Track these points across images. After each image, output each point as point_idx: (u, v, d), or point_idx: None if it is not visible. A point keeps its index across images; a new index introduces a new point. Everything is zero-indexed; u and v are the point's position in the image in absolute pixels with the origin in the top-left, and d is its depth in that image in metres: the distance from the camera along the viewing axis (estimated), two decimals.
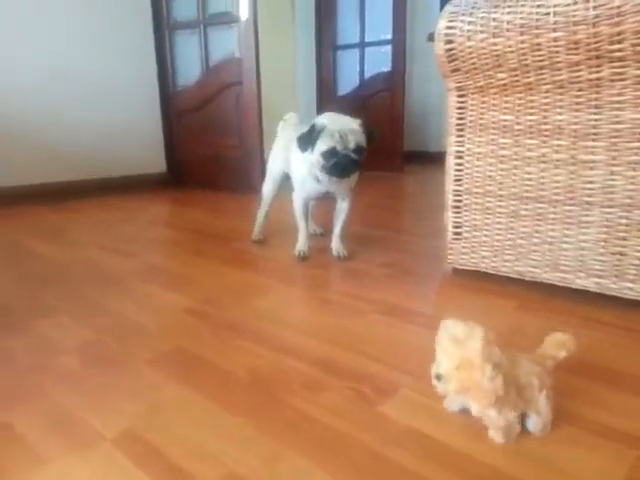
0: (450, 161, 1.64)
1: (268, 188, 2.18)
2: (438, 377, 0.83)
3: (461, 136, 1.60)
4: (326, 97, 4.83)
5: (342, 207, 1.98)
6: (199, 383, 1.06)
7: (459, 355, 0.80)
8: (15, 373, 1.12)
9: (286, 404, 0.98)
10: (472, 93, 1.54)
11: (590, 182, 1.39)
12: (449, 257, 1.72)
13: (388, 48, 4.34)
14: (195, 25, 3.47)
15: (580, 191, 1.41)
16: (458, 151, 1.62)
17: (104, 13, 3.30)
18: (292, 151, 1.90)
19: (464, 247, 1.68)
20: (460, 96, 1.57)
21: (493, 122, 1.52)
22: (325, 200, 2.02)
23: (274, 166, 2.14)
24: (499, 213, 1.58)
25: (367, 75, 4.60)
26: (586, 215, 1.42)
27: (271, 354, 1.20)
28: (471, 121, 1.57)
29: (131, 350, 1.22)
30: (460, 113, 1.58)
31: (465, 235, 1.67)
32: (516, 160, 1.51)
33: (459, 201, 1.65)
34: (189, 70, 3.60)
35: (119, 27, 3.39)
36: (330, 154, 1.70)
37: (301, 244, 1.99)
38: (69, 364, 1.16)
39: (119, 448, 0.85)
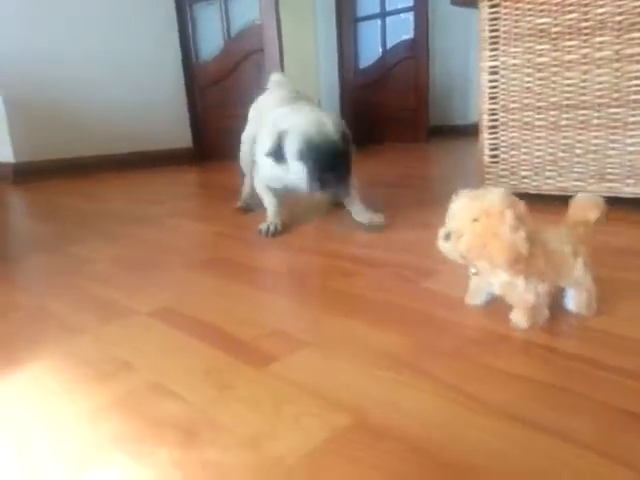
0: (484, 78, 1.57)
1: (243, 155, 1.79)
2: (447, 236, 0.68)
3: (495, 49, 1.53)
4: (348, 70, 4.76)
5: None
6: (236, 276, 1.02)
7: (477, 207, 0.65)
8: (48, 277, 1.10)
9: (325, 285, 0.94)
10: (505, 0, 1.47)
11: (637, 78, 1.31)
12: (486, 182, 1.65)
13: (409, 15, 4.26)
14: None
15: (626, 90, 1.33)
16: (492, 66, 1.54)
17: None
18: (262, 125, 1.48)
19: (502, 169, 1.61)
20: (492, 6, 1.50)
21: (529, 28, 1.45)
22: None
23: (247, 132, 1.75)
24: (538, 127, 1.51)
25: (389, 45, 4.53)
26: (633, 115, 1.34)
27: (310, 256, 1.16)
28: (505, 32, 1.49)
29: (164, 259, 1.20)
30: (493, 25, 1.51)
31: (502, 156, 1.60)
32: (555, 66, 1.43)
33: (495, 120, 1.58)
34: (212, 42, 3.60)
35: (141, 4, 3.40)
36: (308, 151, 1.23)
37: (271, 216, 1.43)
38: (100, 269, 1.14)
39: (155, 318, 0.82)
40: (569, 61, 1.40)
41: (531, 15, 1.44)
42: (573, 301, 0.73)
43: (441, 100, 5.12)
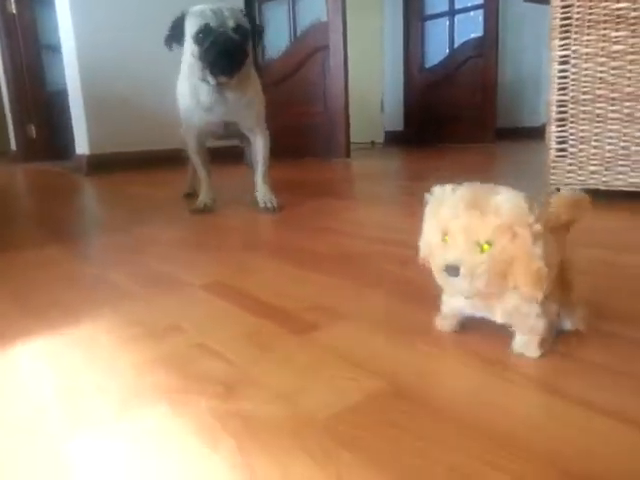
0: (553, 68, 1.50)
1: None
2: (451, 269, 0.51)
3: (566, 38, 1.46)
4: (413, 69, 4.72)
5: (256, 145, 1.62)
6: (288, 257, 1.04)
7: (490, 224, 0.50)
8: (112, 253, 1.17)
9: (377, 268, 0.94)
10: None
11: None
12: (552, 177, 1.57)
13: (478, 12, 4.16)
14: None
15: None
16: (562, 56, 1.48)
17: None
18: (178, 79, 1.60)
19: (570, 164, 1.53)
20: None
21: (605, 14, 1.37)
22: (229, 138, 1.71)
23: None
24: (611, 119, 1.42)
25: (457, 43, 4.43)
26: None
27: (365, 243, 1.15)
28: (578, 18, 1.43)
29: (221, 241, 1.23)
30: (565, 12, 1.44)
31: (571, 150, 1.52)
32: (632, 54, 1.35)
33: (564, 112, 1.51)
34: (278, 40, 3.67)
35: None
36: (204, 34, 1.35)
37: (203, 194, 1.60)
38: (161, 247, 1.19)
39: (206, 290, 0.85)
40: None
41: (608, 0, 1.36)
42: (570, 319, 0.58)
43: (511, 101, 4.94)
